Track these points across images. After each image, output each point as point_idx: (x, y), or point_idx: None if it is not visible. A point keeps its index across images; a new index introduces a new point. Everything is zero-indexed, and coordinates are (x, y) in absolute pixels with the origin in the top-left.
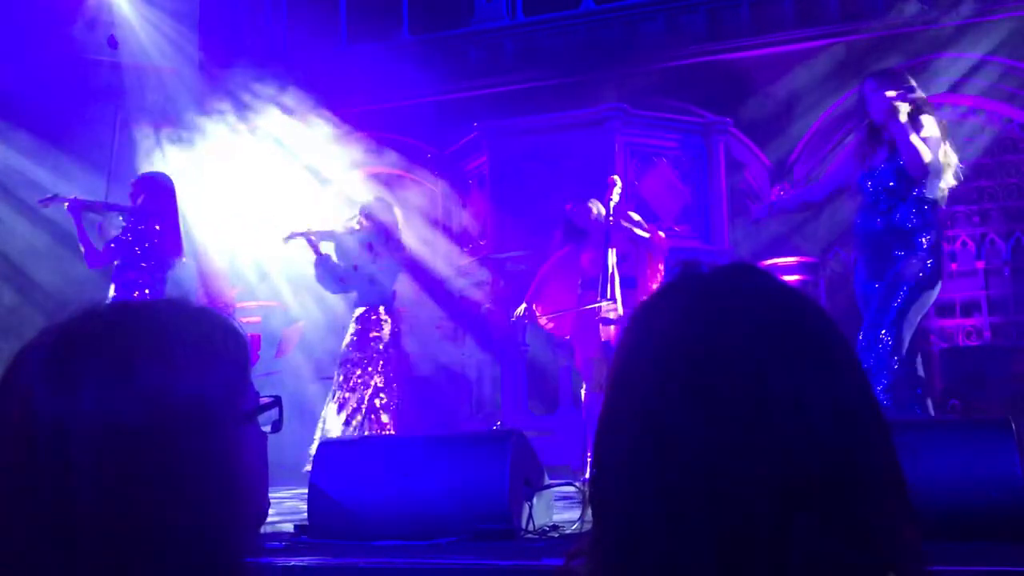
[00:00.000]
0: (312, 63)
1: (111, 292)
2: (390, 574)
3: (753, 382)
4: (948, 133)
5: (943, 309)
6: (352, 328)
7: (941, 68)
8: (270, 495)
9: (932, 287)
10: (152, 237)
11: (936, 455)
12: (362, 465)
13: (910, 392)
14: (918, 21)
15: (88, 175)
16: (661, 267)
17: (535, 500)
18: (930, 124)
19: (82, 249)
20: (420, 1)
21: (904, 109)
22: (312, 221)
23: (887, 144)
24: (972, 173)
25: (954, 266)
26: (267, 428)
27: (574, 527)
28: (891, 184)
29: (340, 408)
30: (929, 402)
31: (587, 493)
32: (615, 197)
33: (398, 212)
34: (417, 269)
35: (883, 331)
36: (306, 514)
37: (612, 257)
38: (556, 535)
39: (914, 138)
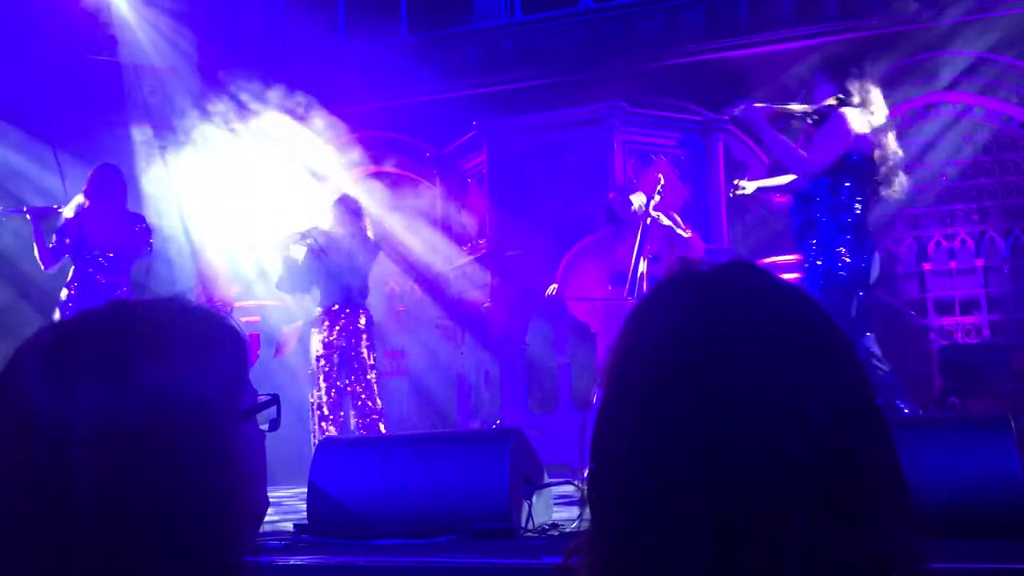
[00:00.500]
0: (311, 62)
1: (65, 293)
2: (390, 572)
3: (751, 379)
4: (890, 127)
5: (942, 307)
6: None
7: (940, 66)
8: (269, 494)
9: (845, 287)
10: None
11: (935, 452)
12: (361, 464)
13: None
14: (919, 19)
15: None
16: None
17: (535, 498)
18: (854, 118)
19: (36, 251)
20: (419, 0)
21: (793, 110)
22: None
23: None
24: (971, 171)
25: (953, 264)
26: (265, 427)
27: (573, 525)
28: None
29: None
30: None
31: (585, 490)
32: (656, 196)
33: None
34: (416, 269)
35: None
36: (305, 513)
37: (643, 256)
38: (556, 533)
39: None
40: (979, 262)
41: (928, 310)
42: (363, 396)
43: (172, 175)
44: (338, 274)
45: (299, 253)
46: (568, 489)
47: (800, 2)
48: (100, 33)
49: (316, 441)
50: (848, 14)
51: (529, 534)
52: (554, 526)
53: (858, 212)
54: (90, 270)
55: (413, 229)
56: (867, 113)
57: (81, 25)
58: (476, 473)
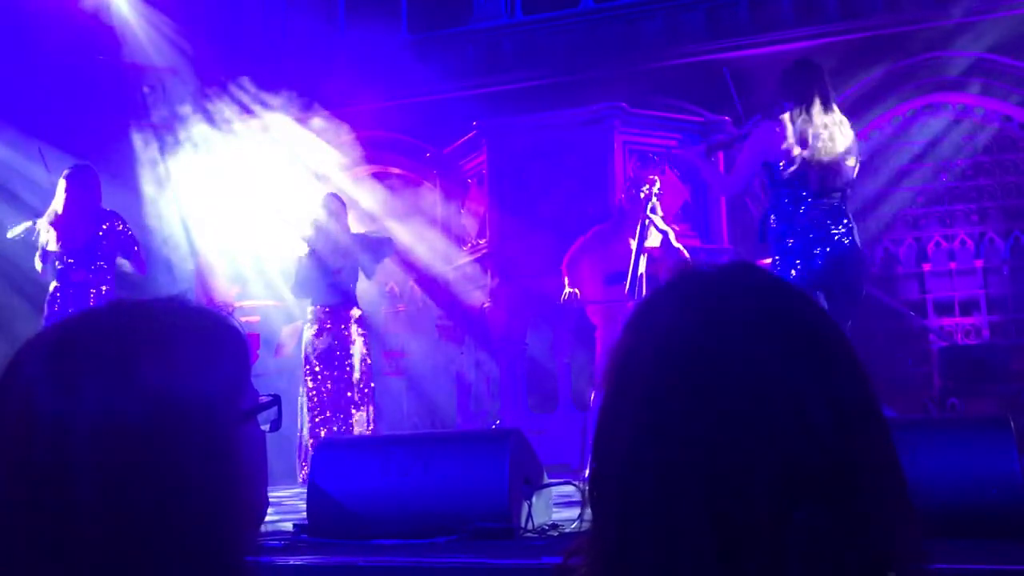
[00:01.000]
0: (311, 62)
1: (48, 296)
2: (389, 573)
3: (751, 379)
4: (820, 128)
5: (942, 307)
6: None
7: (940, 66)
8: (270, 494)
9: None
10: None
11: (935, 453)
12: (361, 464)
13: None
14: (925, 18)
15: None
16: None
17: (534, 499)
18: (768, 135)
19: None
20: (419, 0)
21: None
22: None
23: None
24: (971, 172)
25: (953, 265)
26: (266, 427)
27: (573, 526)
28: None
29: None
30: None
31: (586, 490)
32: (654, 200)
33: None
34: (416, 269)
35: None
36: (305, 513)
37: (643, 256)
38: (555, 534)
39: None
40: (979, 263)
41: (928, 311)
42: (347, 396)
43: (172, 175)
44: (328, 273)
45: (303, 254)
46: (568, 489)
47: (800, 3)
48: (99, 34)
49: (305, 439)
50: (848, 15)
51: (529, 534)
52: (554, 526)
53: (802, 212)
54: (63, 271)
55: (413, 229)
56: (805, 121)
57: (80, 26)
58: (476, 473)
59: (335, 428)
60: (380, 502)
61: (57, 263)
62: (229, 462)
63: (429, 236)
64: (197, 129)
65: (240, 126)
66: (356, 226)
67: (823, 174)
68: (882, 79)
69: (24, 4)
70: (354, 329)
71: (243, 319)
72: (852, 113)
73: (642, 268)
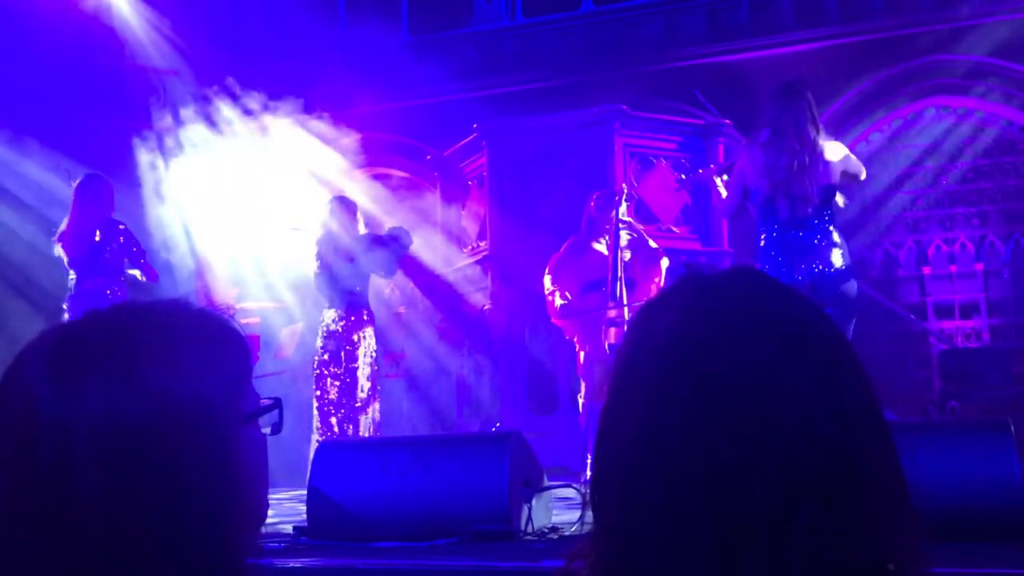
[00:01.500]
0: (311, 64)
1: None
2: (389, 575)
3: (754, 383)
4: (790, 157)
5: (942, 311)
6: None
7: (940, 69)
8: (270, 496)
9: None
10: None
11: (935, 456)
12: (361, 466)
13: None
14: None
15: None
16: (659, 271)
17: (534, 501)
18: (744, 163)
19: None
20: (420, 2)
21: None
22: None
23: None
24: (971, 175)
25: (953, 268)
26: (267, 430)
27: (574, 528)
28: None
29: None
30: None
31: (588, 494)
32: (623, 206)
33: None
34: (416, 270)
35: None
36: (305, 515)
37: (620, 261)
38: (555, 536)
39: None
40: (979, 266)
41: (928, 314)
42: (345, 403)
43: (172, 177)
44: (335, 279)
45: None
46: (568, 492)
47: (801, 6)
48: (100, 36)
49: (316, 442)
50: (849, 18)
51: (529, 537)
52: (554, 529)
53: (775, 238)
54: (75, 281)
55: (413, 231)
56: (778, 150)
57: (81, 28)
58: (476, 476)
59: (347, 429)
60: (380, 504)
61: (71, 273)
62: (230, 464)
63: (429, 238)
64: (197, 131)
65: (240, 127)
66: (365, 227)
67: (792, 204)
68: (882, 82)
69: (25, 6)
70: (363, 331)
71: (243, 321)
72: (852, 116)
73: (620, 272)
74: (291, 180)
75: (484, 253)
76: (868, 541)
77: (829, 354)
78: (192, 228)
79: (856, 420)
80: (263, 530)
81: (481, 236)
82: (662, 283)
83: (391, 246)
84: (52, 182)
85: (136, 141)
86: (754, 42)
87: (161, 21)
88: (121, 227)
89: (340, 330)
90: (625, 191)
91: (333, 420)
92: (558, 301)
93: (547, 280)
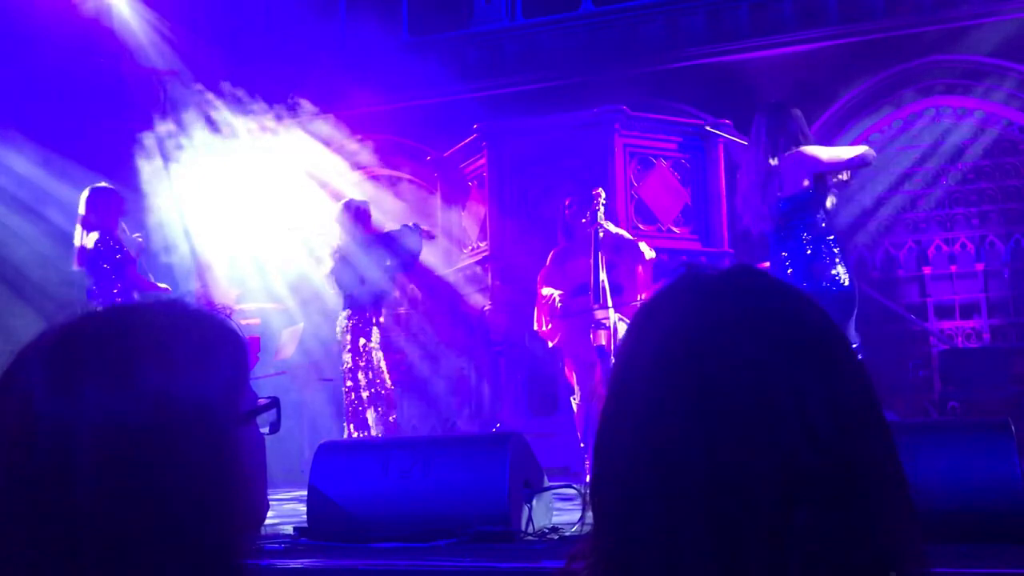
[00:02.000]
0: (311, 65)
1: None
2: (389, 575)
3: (753, 384)
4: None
5: (943, 311)
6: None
7: (940, 70)
8: (269, 497)
9: None
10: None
11: (936, 456)
12: (362, 467)
13: None
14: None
15: (85, 176)
16: (641, 271)
17: (535, 502)
18: None
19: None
20: (420, 2)
21: None
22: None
23: None
24: (971, 175)
25: (953, 268)
26: (265, 429)
27: (574, 529)
28: None
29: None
30: None
31: (587, 495)
32: (600, 209)
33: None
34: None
35: None
36: (305, 516)
37: (602, 263)
38: (556, 537)
39: None
40: (979, 266)
41: (928, 314)
42: (356, 404)
43: (173, 178)
44: (345, 285)
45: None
46: (568, 492)
47: (801, 6)
48: (101, 37)
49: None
50: (849, 18)
51: (529, 538)
52: (554, 530)
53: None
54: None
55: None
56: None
57: (82, 30)
58: (476, 476)
59: (358, 429)
60: (380, 505)
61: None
62: (227, 464)
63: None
64: (197, 132)
65: (240, 128)
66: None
67: (753, 223)
68: (882, 82)
69: (26, 7)
70: (366, 331)
71: (243, 322)
72: (852, 116)
73: (603, 275)
74: (290, 181)
75: (484, 253)
76: (868, 543)
77: (829, 354)
78: (192, 229)
79: (855, 421)
80: (263, 530)
81: (481, 236)
82: (647, 271)
83: (403, 241)
84: (52, 183)
85: (136, 142)
86: (754, 42)
87: (161, 22)
88: (104, 237)
89: (346, 330)
90: (602, 195)
91: (356, 419)
92: (558, 302)
93: (540, 292)
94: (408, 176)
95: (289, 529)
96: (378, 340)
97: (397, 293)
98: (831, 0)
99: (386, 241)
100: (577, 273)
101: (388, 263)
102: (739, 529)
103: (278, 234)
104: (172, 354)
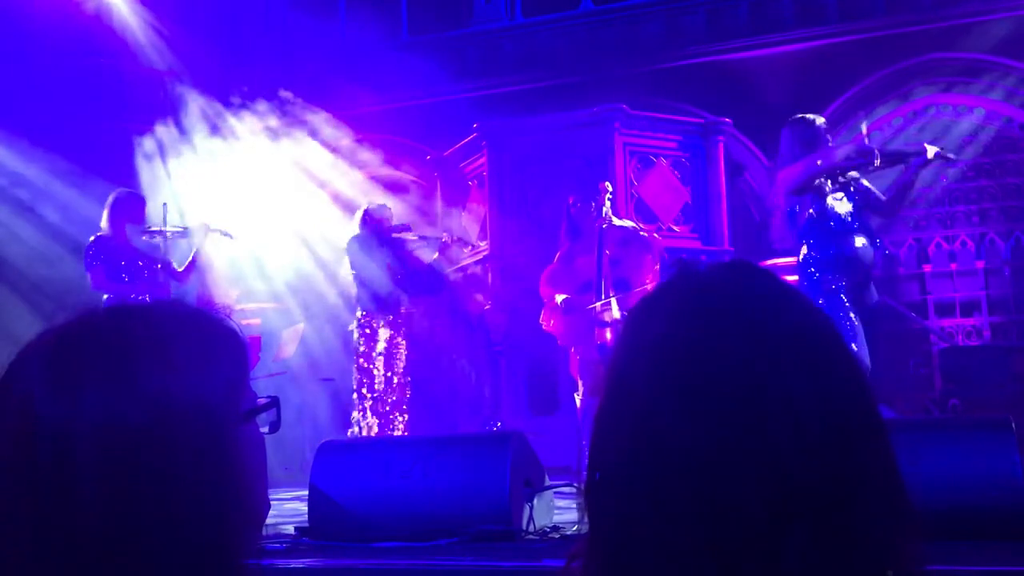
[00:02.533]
0: (311, 65)
1: None
2: (390, 575)
3: (746, 384)
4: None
5: (943, 309)
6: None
7: (940, 67)
8: (271, 497)
9: None
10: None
11: (936, 455)
12: (362, 467)
13: None
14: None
15: (85, 176)
16: (656, 268)
17: (535, 501)
18: None
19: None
20: (419, 2)
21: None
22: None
23: None
24: (971, 173)
25: (954, 266)
26: (265, 429)
27: (575, 528)
28: None
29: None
30: None
31: (583, 496)
32: (607, 204)
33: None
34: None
35: None
36: (307, 516)
37: (606, 261)
38: (557, 536)
39: None
40: (979, 264)
41: (929, 312)
42: (368, 399)
43: (173, 178)
44: (363, 286)
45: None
46: (569, 491)
47: (800, 4)
48: (101, 38)
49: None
50: (848, 17)
51: (530, 537)
52: (555, 529)
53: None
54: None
55: (414, 231)
56: None
57: (82, 30)
58: (477, 476)
59: (364, 429)
60: (381, 505)
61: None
62: (228, 463)
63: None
64: (197, 132)
65: (239, 128)
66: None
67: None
68: (882, 80)
69: (26, 7)
70: (373, 331)
71: (243, 322)
72: (852, 114)
73: (606, 271)
74: (290, 181)
75: (484, 253)
76: (863, 548)
77: (824, 355)
78: (192, 228)
79: (850, 427)
80: (264, 530)
81: (481, 236)
82: (657, 269)
83: (399, 253)
84: (52, 184)
85: (136, 142)
86: (754, 41)
87: (161, 23)
88: (92, 243)
89: (356, 330)
90: (609, 188)
91: (356, 414)
92: (559, 298)
93: (543, 290)
94: (408, 175)
95: (290, 529)
96: (387, 341)
97: (405, 296)
98: None
99: (398, 247)
100: (582, 271)
101: (395, 265)
102: (733, 532)
103: (278, 234)
104: (172, 354)
